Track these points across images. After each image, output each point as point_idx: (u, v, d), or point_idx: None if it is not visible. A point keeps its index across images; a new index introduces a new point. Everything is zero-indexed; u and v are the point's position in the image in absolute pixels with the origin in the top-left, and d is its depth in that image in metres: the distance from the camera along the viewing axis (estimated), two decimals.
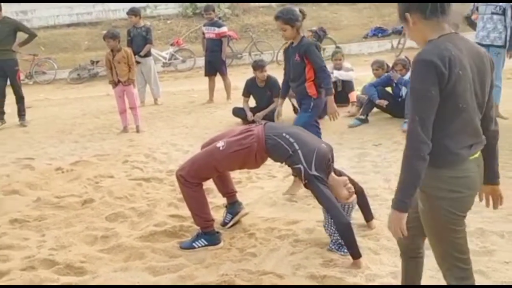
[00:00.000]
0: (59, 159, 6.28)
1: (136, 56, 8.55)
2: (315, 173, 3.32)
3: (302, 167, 3.34)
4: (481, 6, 6.42)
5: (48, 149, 6.93)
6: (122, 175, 5.37)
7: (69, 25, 17.65)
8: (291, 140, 3.43)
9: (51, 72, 15.11)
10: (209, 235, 3.64)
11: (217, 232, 3.75)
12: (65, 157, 6.34)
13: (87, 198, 4.74)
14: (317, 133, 4.68)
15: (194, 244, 3.62)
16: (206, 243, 3.62)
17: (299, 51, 4.59)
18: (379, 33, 15.63)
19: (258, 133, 3.47)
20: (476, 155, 2.20)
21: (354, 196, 3.56)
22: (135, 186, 4.99)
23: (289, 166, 3.49)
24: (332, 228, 3.48)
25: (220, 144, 3.45)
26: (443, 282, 3.08)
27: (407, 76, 6.66)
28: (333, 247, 3.46)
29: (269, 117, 7.15)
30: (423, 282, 3.05)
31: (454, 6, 2.12)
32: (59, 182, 5.32)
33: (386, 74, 7.07)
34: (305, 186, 3.41)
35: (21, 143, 7.37)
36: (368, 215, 3.86)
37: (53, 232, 4.05)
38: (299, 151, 3.38)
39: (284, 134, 3.46)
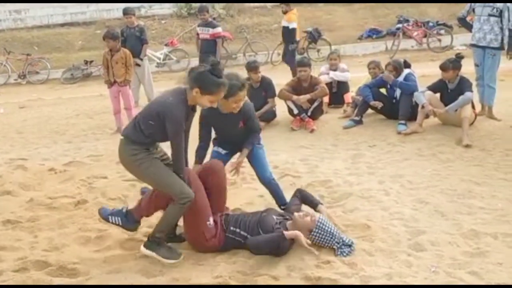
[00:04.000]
0: (52, 159, 6.23)
1: (137, 60, 8.55)
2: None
3: None
4: (478, 8, 6.44)
5: (41, 149, 6.89)
6: (116, 176, 5.34)
7: (62, 25, 17.57)
8: (237, 230, 3.59)
9: (44, 72, 15.04)
10: (129, 218, 3.60)
11: (138, 222, 3.67)
12: (58, 158, 6.30)
13: (80, 199, 4.71)
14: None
15: (110, 217, 3.60)
16: (120, 223, 3.60)
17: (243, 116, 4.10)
18: (373, 34, 15.66)
19: (220, 235, 3.59)
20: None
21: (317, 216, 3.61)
22: (129, 187, 4.96)
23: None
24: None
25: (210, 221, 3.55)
26: (438, 282, 3.09)
27: (401, 77, 6.67)
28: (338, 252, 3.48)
29: (264, 118, 7.15)
30: (420, 282, 3.06)
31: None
32: (52, 183, 5.28)
33: (380, 75, 7.07)
34: None
35: (14, 144, 7.33)
36: (313, 205, 4.01)
37: (46, 233, 4.02)
38: (248, 236, 3.54)
39: (232, 228, 3.61)
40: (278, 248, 3.35)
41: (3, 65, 14.92)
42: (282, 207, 4.19)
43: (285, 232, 3.37)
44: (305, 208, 4.05)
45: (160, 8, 17.82)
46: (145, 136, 3.32)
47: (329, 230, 3.50)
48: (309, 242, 3.40)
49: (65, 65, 15.16)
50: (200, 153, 4.18)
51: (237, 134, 4.18)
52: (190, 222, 3.53)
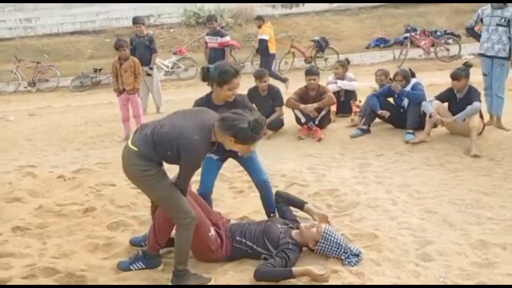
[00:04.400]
0: (61, 167, 6.28)
1: (147, 69, 8.66)
2: (280, 252, 3.45)
3: (266, 255, 3.50)
4: (486, 18, 6.43)
5: (50, 156, 6.94)
6: (124, 183, 5.35)
7: (72, 33, 17.76)
8: (243, 240, 3.61)
9: (54, 80, 15.19)
10: (148, 258, 3.57)
11: (158, 255, 3.62)
12: (67, 165, 6.34)
13: (89, 206, 4.73)
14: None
15: (131, 266, 3.55)
16: (143, 266, 3.55)
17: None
18: (381, 43, 15.67)
19: (227, 246, 3.61)
20: (128, 143, 3.26)
21: (323, 227, 3.58)
22: (137, 194, 4.97)
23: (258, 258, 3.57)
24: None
25: (212, 232, 3.56)
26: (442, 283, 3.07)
27: (409, 87, 6.67)
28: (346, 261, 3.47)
29: (272, 126, 7.17)
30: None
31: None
32: (61, 190, 5.31)
33: (388, 85, 7.07)
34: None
35: (23, 151, 7.39)
36: (299, 206, 4.07)
37: (54, 240, 4.05)
38: (254, 246, 3.57)
39: (238, 238, 3.63)
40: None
41: (13, 73, 15.08)
42: (272, 214, 4.15)
43: (294, 270, 3.30)
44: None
45: (168, 17, 17.97)
46: (159, 157, 3.23)
47: (335, 240, 3.50)
48: (322, 272, 3.26)
49: (75, 73, 15.30)
50: None
51: None
52: (193, 238, 3.45)
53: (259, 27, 10.69)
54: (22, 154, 7.21)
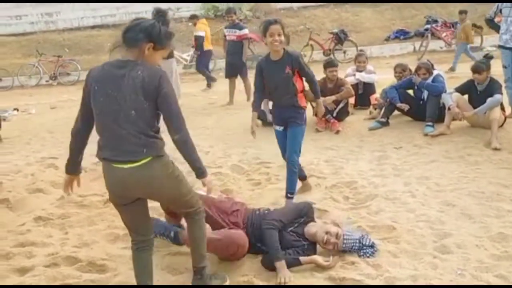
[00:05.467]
0: (82, 158, 6.36)
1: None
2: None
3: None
4: (505, 9, 6.32)
5: None
6: None
7: (93, 27, 17.95)
8: (262, 246, 3.51)
9: (74, 74, 15.40)
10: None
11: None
12: (88, 157, 6.25)
13: None
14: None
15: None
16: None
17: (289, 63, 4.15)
18: (401, 35, 15.52)
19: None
20: (122, 165, 2.77)
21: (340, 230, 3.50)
22: None
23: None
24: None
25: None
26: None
27: (430, 79, 6.59)
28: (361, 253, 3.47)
29: None
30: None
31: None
32: (82, 181, 5.38)
33: (408, 77, 7.00)
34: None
35: (45, 143, 7.51)
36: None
37: (76, 230, 4.13)
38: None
39: (253, 242, 3.54)
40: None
41: (35, 67, 15.32)
42: (289, 195, 4.30)
43: (302, 259, 3.34)
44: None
45: (187, 11, 18.00)
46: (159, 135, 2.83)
47: (350, 250, 3.47)
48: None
49: None
50: (257, 103, 4.39)
51: (282, 82, 4.17)
52: (221, 252, 3.49)
53: (194, 24, 11.37)
54: (44, 146, 7.34)
